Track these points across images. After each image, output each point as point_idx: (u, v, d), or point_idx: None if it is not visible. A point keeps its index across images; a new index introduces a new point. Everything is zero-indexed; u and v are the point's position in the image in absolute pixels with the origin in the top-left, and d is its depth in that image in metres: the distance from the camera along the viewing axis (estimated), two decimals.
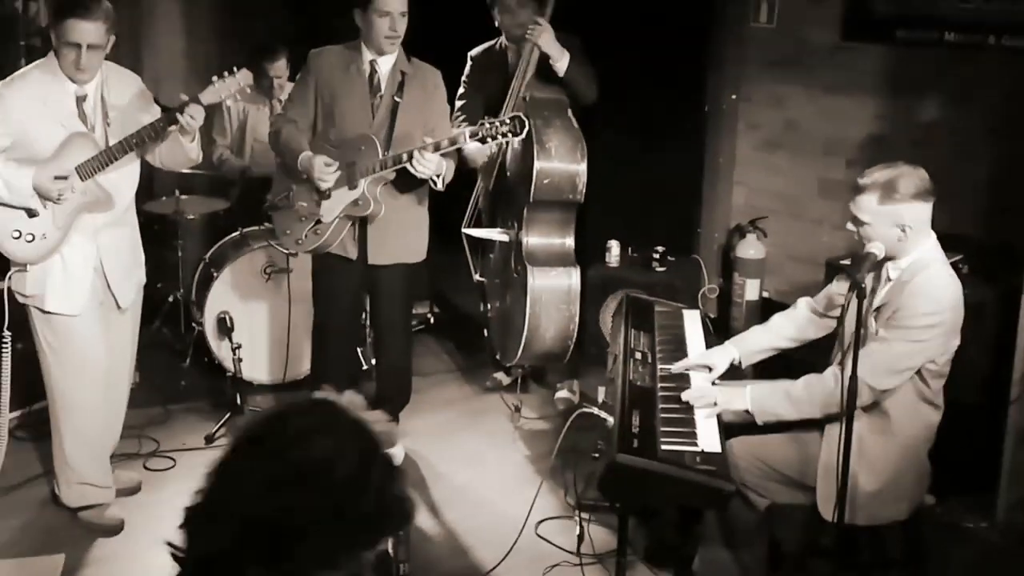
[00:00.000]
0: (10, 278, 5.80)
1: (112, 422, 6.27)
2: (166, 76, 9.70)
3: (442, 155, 5.94)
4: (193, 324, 7.97)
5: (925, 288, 4.60)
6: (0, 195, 5.54)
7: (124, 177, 5.87)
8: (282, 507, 2.23)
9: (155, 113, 5.90)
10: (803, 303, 5.37)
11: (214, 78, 5.81)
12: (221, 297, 7.53)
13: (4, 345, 5.95)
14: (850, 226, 4.87)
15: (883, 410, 4.68)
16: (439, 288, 9.25)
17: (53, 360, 5.90)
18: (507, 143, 6.04)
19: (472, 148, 6.82)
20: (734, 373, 5.49)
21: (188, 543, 2.47)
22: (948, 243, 6.37)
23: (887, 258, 4.82)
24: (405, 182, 6.13)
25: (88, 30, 5.44)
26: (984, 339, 6.07)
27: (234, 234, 7.84)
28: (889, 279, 4.83)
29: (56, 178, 5.54)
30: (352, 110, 6.23)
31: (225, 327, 7.36)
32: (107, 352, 6.04)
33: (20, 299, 5.79)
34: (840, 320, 5.02)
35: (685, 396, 4.89)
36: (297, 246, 6.45)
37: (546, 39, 6.76)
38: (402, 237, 6.34)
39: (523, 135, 5.83)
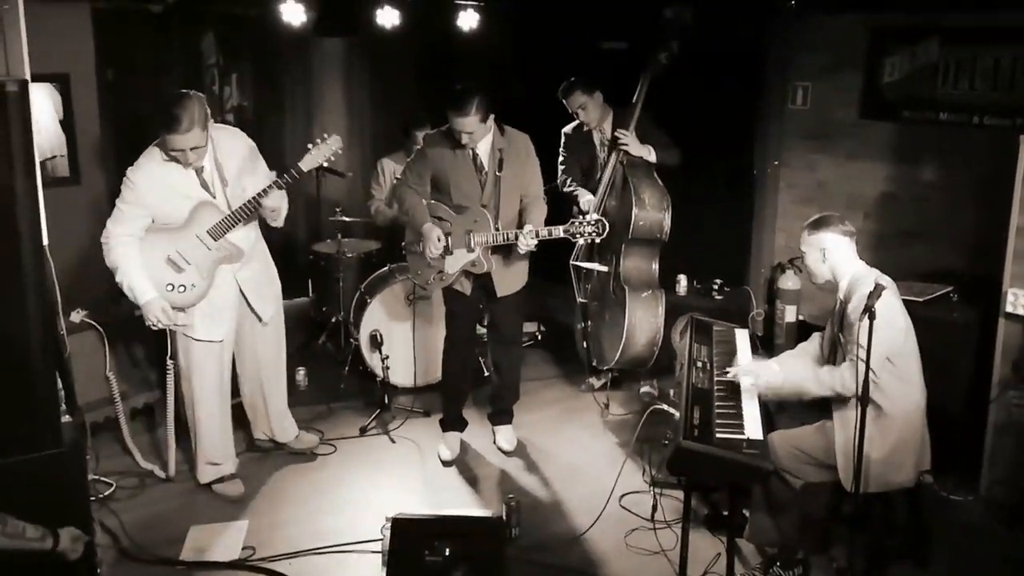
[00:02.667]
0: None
1: (273, 408, 6.48)
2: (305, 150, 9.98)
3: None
4: (351, 339, 8.05)
5: (862, 304, 4.71)
6: (125, 291, 5.70)
7: (247, 230, 5.93)
8: None
9: (260, 165, 5.96)
10: (816, 336, 5.58)
11: (309, 145, 5.81)
12: (373, 318, 7.63)
13: (168, 371, 6.14)
14: (799, 261, 5.28)
15: (875, 398, 4.82)
16: (549, 309, 9.28)
17: (193, 375, 6.04)
18: (590, 239, 6.07)
19: (589, 198, 7.19)
20: None
21: None
22: (940, 277, 6.63)
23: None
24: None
25: (188, 140, 5.49)
26: (970, 352, 6.22)
27: (383, 269, 7.97)
28: (839, 300, 5.12)
29: (163, 310, 5.68)
30: (464, 184, 6.30)
31: (376, 342, 7.44)
32: (256, 357, 6.27)
33: (174, 328, 5.88)
34: (833, 337, 5.28)
35: (731, 371, 5.19)
36: (428, 285, 6.61)
37: (633, 147, 7.01)
38: (515, 271, 6.46)
39: (604, 235, 6.01)
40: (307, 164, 5.75)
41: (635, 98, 7.10)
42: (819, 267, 5.16)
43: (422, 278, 6.55)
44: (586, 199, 7.29)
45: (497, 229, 6.22)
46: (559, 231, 6.04)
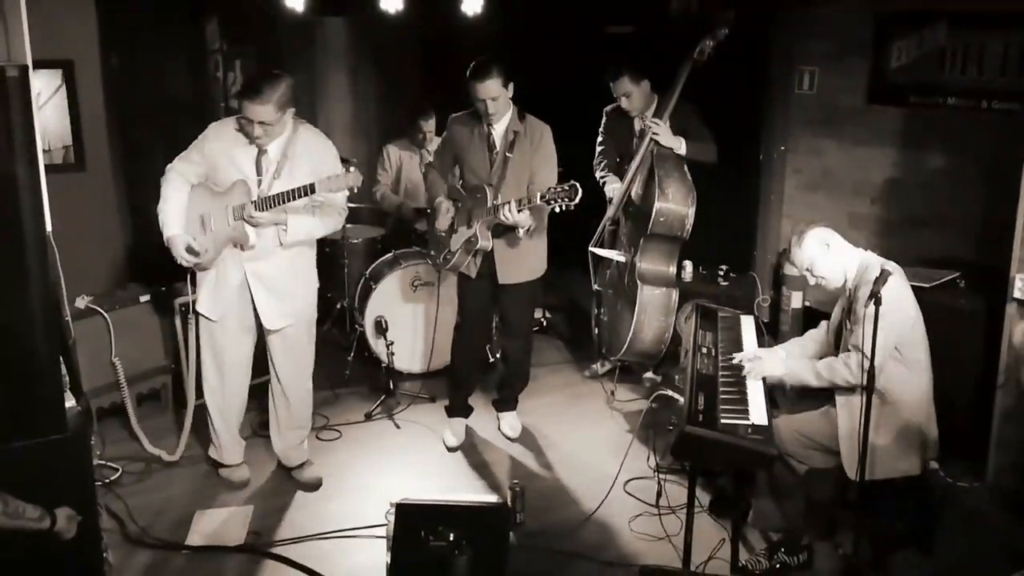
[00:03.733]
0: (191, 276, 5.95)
1: (293, 411, 6.21)
2: (337, 131, 9.77)
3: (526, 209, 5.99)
4: (356, 326, 8.09)
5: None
6: (159, 220, 5.79)
7: (270, 228, 5.76)
8: None
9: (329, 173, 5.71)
10: (824, 323, 5.60)
11: (336, 171, 5.62)
12: (378, 304, 7.65)
13: (190, 321, 6.15)
14: (811, 280, 5.26)
15: (881, 385, 4.81)
16: (569, 294, 9.40)
17: (202, 351, 6.08)
18: (564, 205, 5.77)
19: (614, 186, 7.19)
20: None
21: None
22: (947, 263, 6.62)
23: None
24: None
25: (259, 111, 5.50)
26: (977, 339, 6.20)
27: (388, 255, 8.01)
28: (848, 289, 5.15)
29: (188, 249, 5.74)
30: (476, 163, 6.37)
31: (381, 328, 7.47)
32: (272, 365, 6.09)
33: (192, 295, 5.99)
34: (840, 324, 5.33)
35: (737, 357, 5.24)
36: (437, 265, 6.69)
37: (663, 137, 6.86)
38: (523, 260, 6.43)
39: (577, 199, 5.72)
40: (321, 188, 5.53)
41: (672, 87, 6.94)
42: (827, 264, 5.16)
43: (436, 257, 6.66)
44: (613, 186, 7.29)
45: (493, 204, 6.21)
46: (537, 198, 5.91)
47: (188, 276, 5.97)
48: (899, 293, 4.90)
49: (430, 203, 6.63)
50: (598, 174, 7.50)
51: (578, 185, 5.75)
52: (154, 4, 8.12)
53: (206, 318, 5.94)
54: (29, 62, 4.68)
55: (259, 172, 5.72)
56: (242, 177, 5.70)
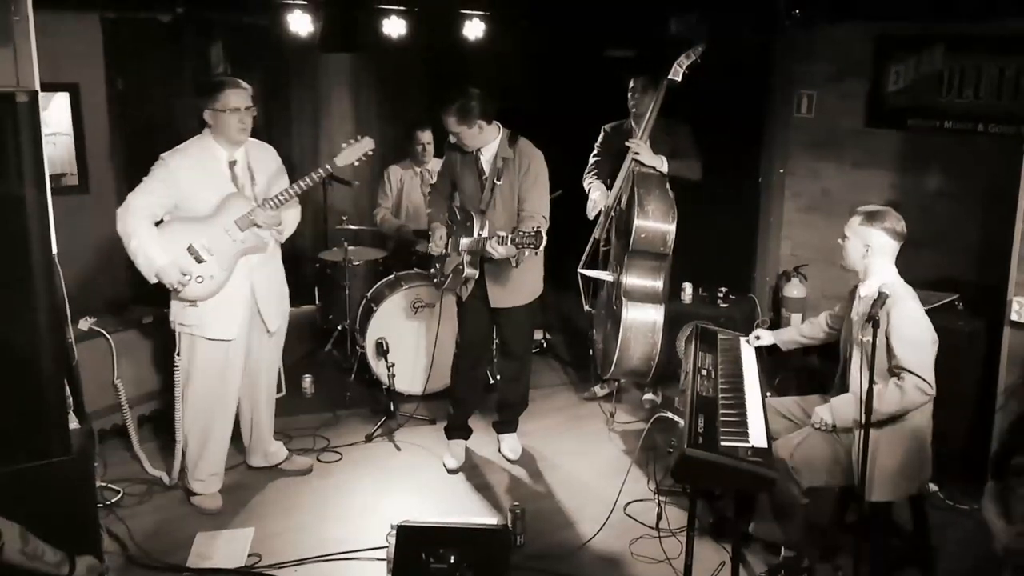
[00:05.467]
0: (172, 311, 5.87)
1: (261, 423, 6.44)
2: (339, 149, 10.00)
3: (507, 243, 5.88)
4: (357, 347, 8.08)
5: (906, 311, 4.87)
6: (137, 260, 5.63)
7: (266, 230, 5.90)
8: None
9: (284, 180, 6.00)
10: (824, 315, 5.70)
11: (343, 144, 5.90)
12: (379, 326, 7.64)
13: (176, 368, 5.99)
14: (840, 240, 5.22)
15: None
16: (568, 316, 9.41)
17: (195, 377, 5.96)
18: (528, 251, 5.80)
19: (595, 196, 7.24)
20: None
21: None
22: (946, 285, 6.64)
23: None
24: None
25: (245, 95, 5.70)
26: (975, 360, 6.23)
27: (389, 277, 8.03)
28: (860, 297, 5.16)
29: (182, 273, 5.65)
30: (468, 188, 6.43)
31: (382, 350, 7.46)
32: (253, 368, 6.19)
33: (181, 328, 5.86)
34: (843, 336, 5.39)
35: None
36: (436, 283, 6.74)
37: (644, 155, 6.91)
38: (514, 285, 6.44)
39: (540, 247, 5.75)
40: (342, 160, 5.83)
41: (650, 106, 6.99)
42: (856, 259, 5.15)
43: (435, 276, 6.72)
44: (596, 194, 7.33)
45: (479, 235, 6.22)
46: (509, 238, 5.91)
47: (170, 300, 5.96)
48: (921, 319, 4.97)
49: (429, 225, 6.66)
50: (585, 182, 7.53)
51: (543, 233, 5.80)
52: (159, 27, 8.14)
53: (218, 340, 5.90)
54: (38, 87, 4.72)
55: (236, 184, 5.82)
56: (223, 193, 5.76)
